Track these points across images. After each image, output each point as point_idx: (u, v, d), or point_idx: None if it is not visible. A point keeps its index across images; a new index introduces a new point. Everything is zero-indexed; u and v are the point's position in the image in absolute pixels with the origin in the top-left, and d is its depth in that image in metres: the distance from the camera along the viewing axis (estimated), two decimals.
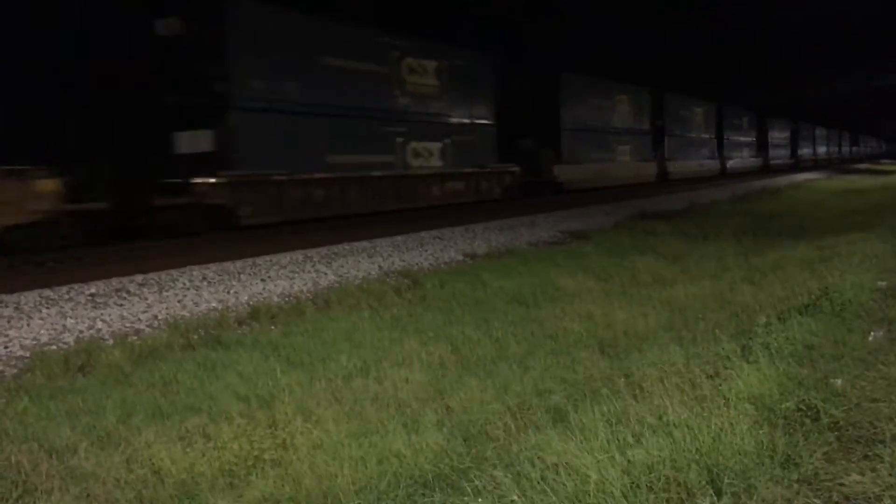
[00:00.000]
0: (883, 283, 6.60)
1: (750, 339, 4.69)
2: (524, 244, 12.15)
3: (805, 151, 60.39)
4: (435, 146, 17.74)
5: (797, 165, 55.09)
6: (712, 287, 7.47)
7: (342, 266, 9.41)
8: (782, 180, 35.26)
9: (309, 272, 8.96)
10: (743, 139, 45.75)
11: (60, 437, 3.88)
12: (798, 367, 4.11)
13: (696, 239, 11.89)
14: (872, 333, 4.90)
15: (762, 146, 49.18)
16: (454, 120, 18.45)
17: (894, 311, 5.60)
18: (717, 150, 39.89)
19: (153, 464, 3.53)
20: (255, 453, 3.61)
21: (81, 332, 6.27)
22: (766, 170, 46.84)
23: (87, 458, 3.60)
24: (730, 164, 41.43)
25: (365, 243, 11.22)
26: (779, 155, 52.81)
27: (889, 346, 4.62)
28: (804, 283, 6.89)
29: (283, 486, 3.25)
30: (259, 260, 9.52)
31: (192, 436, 3.83)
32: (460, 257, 10.62)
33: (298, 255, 10.02)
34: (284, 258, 9.72)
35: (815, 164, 59.68)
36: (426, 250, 10.96)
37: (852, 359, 4.35)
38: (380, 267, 9.46)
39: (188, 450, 3.66)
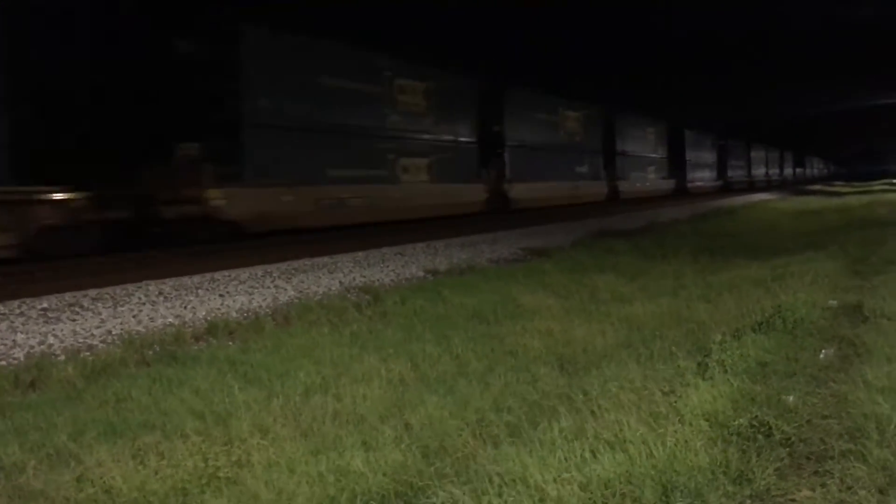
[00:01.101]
0: (834, 302, 6.76)
1: (705, 356, 4.76)
2: (485, 261, 12.19)
3: (737, 173, 53.11)
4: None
5: (727, 188, 47.91)
6: (670, 305, 7.57)
7: (302, 281, 9.34)
8: (739, 200, 35.93)
9: (268, 287, 8.88)
10: (645, 155, 36.65)
11: (8, 454, 3.78)
12: (752, 384, 4.18)
13: (654, 257, 12.04)
14: (823, 351, 5.02)
15: (676, 165, 40.45)
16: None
17: (845, 329, 5.74)
18: (604, 170, 31.72)
19: (104, 482, 3.45)
20: (210, 471, 3.56)
21: (32, 347, 6.13)
22: (683, 193, 38.98)
23: (36, 477, 3.51)
24: (621, 186, 32.88)
25: (326, 259, 11.16)
26: (700, 177, 44.44)
27: (839, 364, 4.73)
28: (758, 301, 7.02)
29: (238, 503, 3.20)
30: (217, 275, 9.41)
31: (146, 454, 3.76)
32: (422, 273, 10.62)
33: (258, 270, 9.93)
34: (244, 273, 9.62)
35: (751, 187, 53.39)
36: (387, 266, 10.94)
37: (804, 376, 4.45)
38: (340, 282, 9.42)
39: (141, 468, 3.59)
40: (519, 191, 23.51)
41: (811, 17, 23.67)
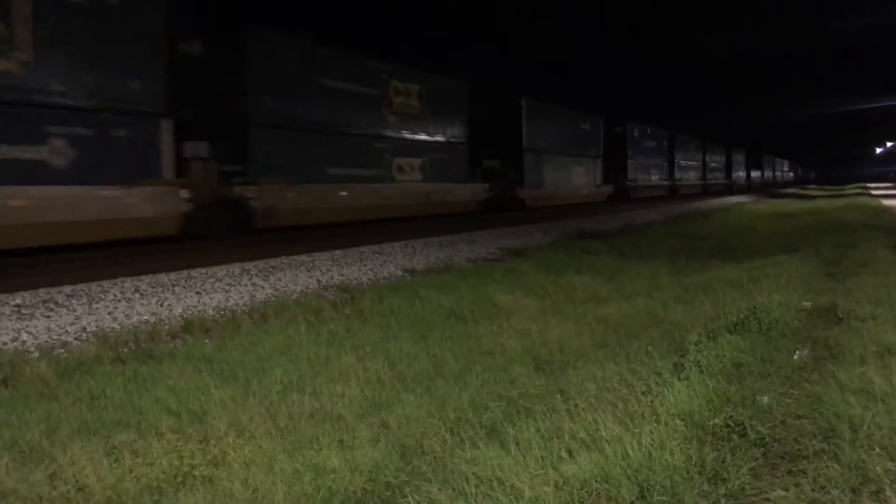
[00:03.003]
0: (808, 304, 6.84)
1: (681, 356, 4.80)
2: (463, 260, 12.20)
3: (688, 175, 46.95)
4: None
5: (674, 191, 42.61)
6: (646, 305, 7.62)
7: (280, 280, 9.30)
8: (716, 202, 36.25)
9: (245, 285, 8.83)
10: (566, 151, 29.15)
11: None
12: (727, 385, 4.22)
13: (630, 258, 12.13)
14: (798, 352, 5.08)
15: (614, 164, 34.05)
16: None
17: (818, 330, 5.82)
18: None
19: (77, 480, 3.41)
20: (186, 469, 3.53)
21: (5, 343, 6.04)
22: (616, 199, 33.11)
23: (9, 474, 3.47)
24: (544, 189, 27.23)
25: (304, 257, 11.11)
26: (647, 180, 38.27)
27: (813, 365, 4.79)
28: (734, 302, 7.09)
29: (213, 501, 3.18)
30: (194, 272, 9.34)
31: (120, 451, 3.72)
32: (399, 272, 10.60)
33: (235, 267, 9.87)
34: (220, 271, 9.56)
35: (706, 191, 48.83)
36: (365, 265, 10.92)
37: (778, 377, 4.50)
38: (318, 281, 9.38)
39: (115, 466, 3.55)
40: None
41: (796, 30, 24.18)
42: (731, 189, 56.37)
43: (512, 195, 24.92)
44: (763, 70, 31.97)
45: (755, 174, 70.63)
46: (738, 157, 62.17)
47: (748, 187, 63.45)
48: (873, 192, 47.84)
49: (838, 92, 40.74)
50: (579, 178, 30.83)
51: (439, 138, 20.62)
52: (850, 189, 57.25)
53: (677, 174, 44.30)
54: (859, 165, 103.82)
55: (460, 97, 21.81)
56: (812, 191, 62.94)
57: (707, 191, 49.54)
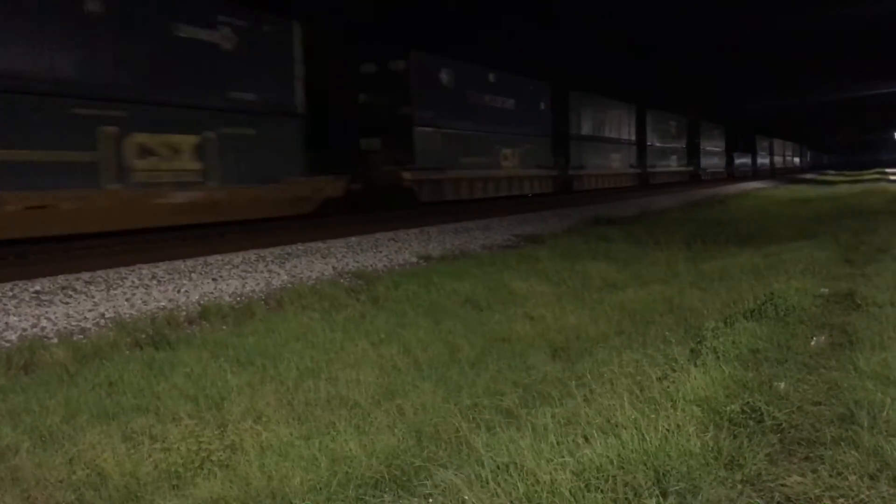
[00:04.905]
0: (825, 290, 6.79)
1: (698, 342, 4.78)
2: (478, 247, 12.20)
3: (666, 163, 39.14)
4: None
5: (645, 180, 35.50)
6: (662, 292, 7.59)
7: (295, 266, 9.33)
8: (731, 189, 35.99)
9: (261, 272, 8.87)
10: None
11: (2, 436, 3.77)
12: (743, 371, 4.20)
13: (647, 245, 12.07)
14: (814, 338, 5.04)
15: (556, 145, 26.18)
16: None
17: (836, 317, 5.77)
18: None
19: (96, 465, 3.45)
20: (203, 454, 3.56)
21: (25, 330, 6.11)
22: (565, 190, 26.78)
23: (29, 458, 3.51)
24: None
25: (319, 244, 11.14)
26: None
27: (830, 351, 4.75)
28: (750, 288, 7.05)
29: (231, 487, 3.21)
30: (211, 259, 9.39)
31: (138, 437, 3.76)
32: (414, 259, 10.61)
33: (251, 254, 9.91)
34: (237, 258, 9.60)
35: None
36: (380, 251, 10.93)
37: (795, 363, 4.47)
38: (333, 268, 9.41)
39: (133, 451, 3.59)
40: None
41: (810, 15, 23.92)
42: (733, 175, 52.46)
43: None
44: (780, 55, 31.66)
45: (765, 160, 65.79)
46: (762, 144, 60.17)
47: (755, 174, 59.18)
48: (892, 177, 47.34)
49: (856, 76, 40.26)
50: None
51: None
52: (869, 174, 56.64)
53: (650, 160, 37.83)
54: (877, 150, 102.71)
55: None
56: (830, 176, 62.23)
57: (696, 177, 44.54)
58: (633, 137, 34.04)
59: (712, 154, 49.17)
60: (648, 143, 36.45)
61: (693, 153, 44.05)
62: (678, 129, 41.69)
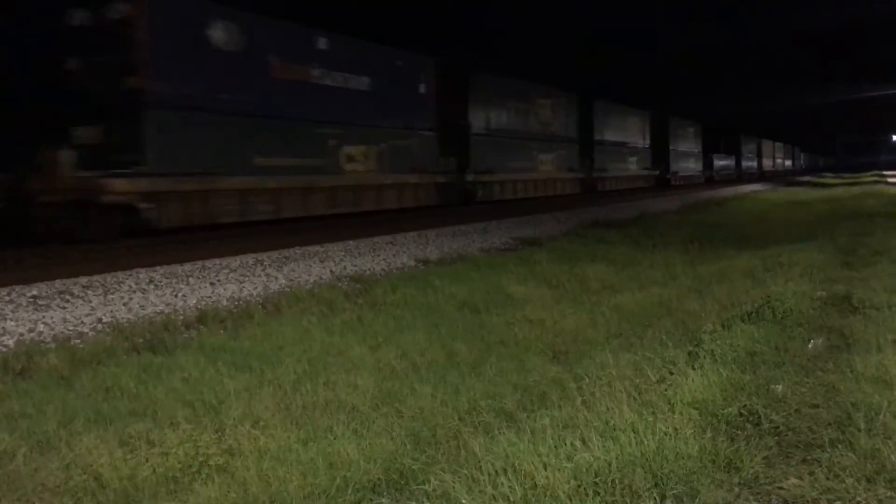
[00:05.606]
0: (822, 293, 6.80)
1: (695, 345, 4.78)
2: (476, 250, 12.19)
3: (618, 167, 32.79)
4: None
5: (590, 187, 29.63)
6: (660, 294, 7.60)
7: (293, 270, 9.33)
8: (728, 191, 36.05)
9: (259, 276, 8.86)
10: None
11: None
12: (741, 374, 4.20)
13: (645, 247, 12.07)
14: (812, 341, 5.05)
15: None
16: None
17: (833, 319, 5.78)
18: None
19: (93, 470, 3.45)
20: (201, 459, 3.55)
21: (22, 334, 6.10)
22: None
23: (26, 464, 3.51)
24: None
25: (317, 247, 11.14)
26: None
27: (827, 354, 4.76)
28: (748, 291, 7.06)
29: (228, 491, 3.20)
30: (209, 263, 9.38)
31: (135, 441, 3.75)
32: (412, 263, 10.61)
33: (249, 258, 9.91)
34: (234, 262, 9.60)
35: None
36: (378, 255, 10.93)
37: (793, 366, 4.48)
38: (331, 272, 9.40)
39: (130, 456, 3.58)
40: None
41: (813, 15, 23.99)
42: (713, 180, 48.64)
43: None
44: (774, 57, 31.71)
45: (752, 162, 61.71)
46: (748, 145, 58.62)
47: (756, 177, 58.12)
48: (889, 179, 47.38)
49: (852, 79, 40.31)
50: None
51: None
52: (866, 177, 56.68)
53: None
54: (875, 153, 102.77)
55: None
56: (827, 179, 62.22)
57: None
58: (576, 135, 28.62)
59: (686, 156, 44.41)
60: (597, 140, 30.39)
61: (660, 155, 38.79)
62: (639, 126, 36.48)
